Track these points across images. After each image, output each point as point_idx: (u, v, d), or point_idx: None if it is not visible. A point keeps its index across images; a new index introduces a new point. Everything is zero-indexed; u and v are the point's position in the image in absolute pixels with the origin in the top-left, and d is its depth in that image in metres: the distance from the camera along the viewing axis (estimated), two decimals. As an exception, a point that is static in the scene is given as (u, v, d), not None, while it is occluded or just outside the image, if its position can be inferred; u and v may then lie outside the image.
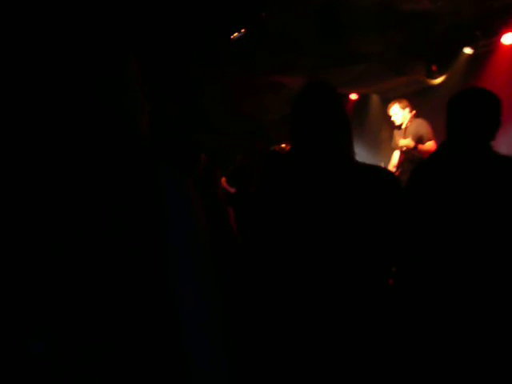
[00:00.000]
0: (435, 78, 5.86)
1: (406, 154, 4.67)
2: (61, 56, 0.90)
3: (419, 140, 4.58)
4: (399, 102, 4.80)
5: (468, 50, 5.57)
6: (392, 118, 4.87)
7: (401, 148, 4.69)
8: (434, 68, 5.77)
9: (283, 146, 5.31)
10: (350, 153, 1.41)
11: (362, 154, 6.70)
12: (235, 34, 4.59)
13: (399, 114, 4.76)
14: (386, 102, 5.94)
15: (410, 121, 4.70)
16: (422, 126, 4.66)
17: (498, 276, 1.59)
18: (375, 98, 7.52)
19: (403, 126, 4.74)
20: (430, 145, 4.51)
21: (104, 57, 0.92)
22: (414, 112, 4.69)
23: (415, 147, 4.54)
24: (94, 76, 0.90)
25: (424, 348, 1.65)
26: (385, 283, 1.44)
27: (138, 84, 0.97)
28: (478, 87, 1.83)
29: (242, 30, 4.57)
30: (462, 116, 1.75)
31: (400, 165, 4.73)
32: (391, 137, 5.19)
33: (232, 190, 6.33)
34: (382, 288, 1.39)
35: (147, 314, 0.88)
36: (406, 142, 4.60)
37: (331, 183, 1.34)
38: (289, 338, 1.31)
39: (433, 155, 1.91)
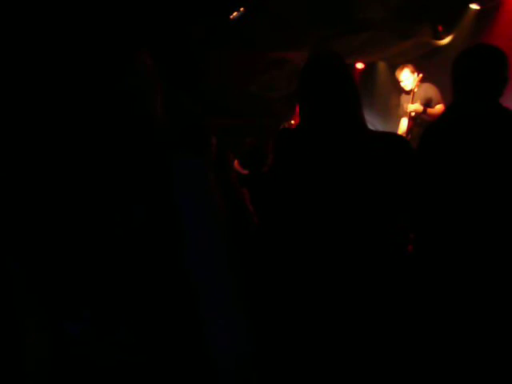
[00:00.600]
0: (442, 38, 5.72)
1: (415, 119, 4.62)
2: (81, 47, 0.93)
3: (428, 104, 4.52)
4: (408, 67, 4.71)
5: (474, 6, 5.42)
6: (402, 84, 4.79)
7: (409, 113, 4.62)
8: (440, 28, 5.63)
9: (292, 122, 5.29)
10: (362, 121, 1.41)
11: (372, 122, 6.63)
12: (234, 14, 4.54)
13: (410, 78, 4.68)
14: (393, 69, 5.83)
15: (417, 85, 4.62)
16: (430, 90, 4.58)
17: None
18: (382, 65, 7.37)
19: (414, 91, 4.66)
20: (439, 108, 4.44)
21: (118, 47, 0.94)
22: (420, 75, 4.60)
23: (424, 111, 4.47)
24: (110, 65, 0.93)
25: (441, 313, 1.66)
26: (403, 249, 1.45)
27: (151, 70, 0.99)
28: (482, 44, 1.77)
29: (241, 9, 4.51)
30: (466, 75, 1.72)
31: (409, 131, 4.67)
32: (399, 104, 5.11)
33: (245, 171, 6.34)
34: (400, 254, 1.41)
35: (168, 293, 0.92)
36: (415, 106, 4.54)
37: (346, 152, 1.34)
38: (308, 308, 1.34)
39: (441, 118, 1.89)
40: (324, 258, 1.33)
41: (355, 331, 1.31)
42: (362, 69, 7.27)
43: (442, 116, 1.92)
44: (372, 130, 1.42)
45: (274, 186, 1.42)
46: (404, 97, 4.89)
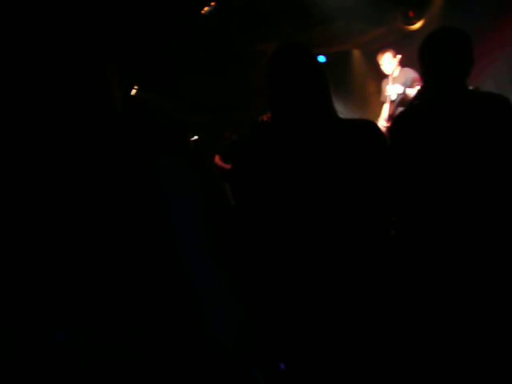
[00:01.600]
0: (413, 23, 5.78)
1: (396, 103, 4.65)
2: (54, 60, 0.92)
3: (406, 84, 4.56)
4: (390, 51, 4.75)
5: (443, -10, 5.49)
6: (382, 67, 4.82)
7: (389, 97, 4.66)
8: (411, 14, 5.69)
9: (266, 116, 5.28)
10: (332, 109, 1.41)
11: (351, 110, 6.67)
12: (205, 9, 4.51)
13: (391, 62, 4.72)
14: (368, 55, 5.88)
15: (397, 68, 4.67)
16: (409, 72, 4.63)
17: (495, 214, 1.62)
18: (357, 53, 7.42)
19: (394, 76, 4.69)
20: (418, 88, 4.48)
21: (86, 58, 0.94)
22: (399, 56, 4.64)
23: (403, 91, 4.51)
24: (78, 77, 0.93)
25: (428, 297, 1.68)
26: (385, 234, 1.47)
27: (117, 79, 0.99)
28: (445, 27, 1.79)
29: (212, 3, 4.49)
30: (433, 58, 1.73)
31: (391, 115, 4.70)
32: (379, 90, 5.15)
33: (227, 166, 6.33)
34: (383, 239, 1.42)
35: (160, 290, 0.93)
36: (394, 87, 4.57)
37: (318, 142, 1.34)
38: (294, 300, 1.36)
39: (412, 103, 1.91)
40: (307, 248, 1.34)
41: (343, 322, 1.33)
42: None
43: (413, 101, 1.94)
44: (342, 119, 1.42)
45: (250, 180, 1.42)
46: (384, 83, 4.92)
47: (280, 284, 1.39)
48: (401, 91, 4.52)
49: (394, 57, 4.70)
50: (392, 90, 4.58)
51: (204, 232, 0.99)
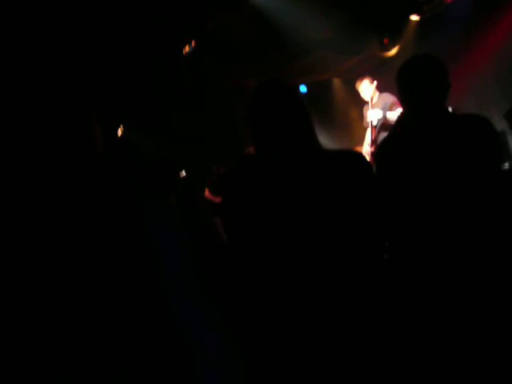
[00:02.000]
0: (389, 50, 5.96)
1: (378, 128, 4.74)
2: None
3: (386, 109, 4.66)
4: (367, 78, 4.88)
5: (414, 17, 5.69)
6: (362, 95, 4.93)
7: (371, 123, 4.74)
8: (385, 41, 5.88)
9: (253, 148, 5.33)
10: (315, 142, 1.43)
11: (335, 137, 6.77)
12: (187, 49, 4.61)
13: (370, 88, 4.84)
14: (347, 83, 6.02)
15: (374, 93, 4.79)
16: (387, 97, 4.74)
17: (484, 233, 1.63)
18: (337, 81, 7.59)
19: (373, 101, 4.80)
20: (398, 111, 4.57)
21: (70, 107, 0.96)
22: (375, 82, 4.76)
23: (384, 115, 4.60)
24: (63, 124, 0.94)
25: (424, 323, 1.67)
26: (378, 260, 1.46)
27: (97, 125, 1.01)
28: (419, 54, 1.85)
29: (193, 44, 4.59)
30: (410, 85, 1.78)
31: (374, 140, 4.78)
32: (361, 116, 5.25)
33: (217, 199, 6.32)
34: (377, 265, 1.42)
35: (150, 325, 0.91)
36: (374, 112, 4.66)
37: (304, 174, 1.36)
38: (287, 329, 1.33)
39: (393, 130, 1.95)
40: (302, 281, 1.32)
41: (335, 350, 1.31)
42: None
43: (394, 126, 1.98)
44: (327, 150, 1.45)
45: (237, 214, 1.41)
46: (366, 108, 5.03)
47: (274, 323, 1.36)
48: (381, 116, 4.62)
49: (372, 83, 4.83)
50: (372, 115, 4.67)
51: (193, 273, 0.99)
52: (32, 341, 0.89)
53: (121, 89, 4.52)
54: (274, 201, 1.35)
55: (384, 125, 4.66)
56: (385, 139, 1.95)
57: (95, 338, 0.91)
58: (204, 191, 6.37)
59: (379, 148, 1.96)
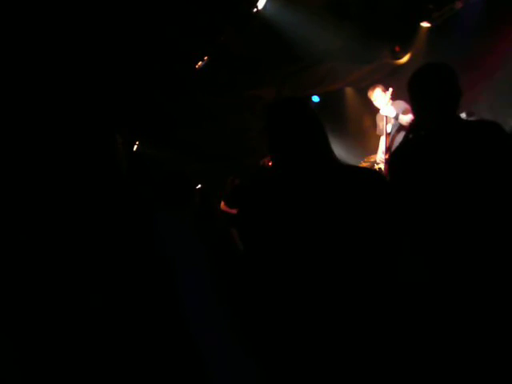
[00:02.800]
0: (401, 57, 5.97)
1: (392, 135, 4.72)
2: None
3: (399, 113, 4.65)
4: (379, 87, 4.87)
5: (425, 24, 5.70)
6: (375, 103, 4.92)
7: (385, 129, 4.73)
8: (397, 49, 5.88)
9: (267, 160, 5.36)
10: (331, 156, 1.47)
11: (349, 146, 6.76)
12: (199, 63, 4.69)
13: (382, 97, 4.83)
14: (360, 92, 6.03)
15: (389, 101, 4.76)
16: (401, 105, 4.73)
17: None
18: (349, 90, 7.61)
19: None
20: (411, 116, 4.55)
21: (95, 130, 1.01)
22: (391, 89, 4.74)
23: (396, 116, 4.59)
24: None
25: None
26: (393, 275, 1.44)
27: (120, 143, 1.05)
28: (430, 63, 1.86)
29: (205, 58, 4.66)
30: (423, 93, 1.79)
31: (388, 147, 4.76)
32: (374, 124, 5.25)
33: (233, 211, 6.35)
34: (391, 281, 1.40)
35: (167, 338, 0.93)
36: (387, 110, 4.63)
37: (320, 188, 1.38)
38: (303, 339, 1.33)
39: (406, 139, 1.95)
40: (318, 294, 1.33)
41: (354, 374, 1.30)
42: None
43: (406, 136, 1.98)
44: (344, 164, 1.48)
45: (255, 226, 1.44)
46: (379, 116, 5.02)
47: (291, 332, 1.37)
48: (393, 115, 4.60)
49: (384, 91, 4.82)
50: (385, 112, 4.65)
51: (210, 284, 1.00)
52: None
53: (136, 105, 4.61)
54: (291, 213, 1.37)
55: (399, 131, 4.64)
56: (398, 147, 1.95)
57: (109, 348, 0.93)
58: (219, 203, 6.41)
59: (393, 156, 1.96)
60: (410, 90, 1.85)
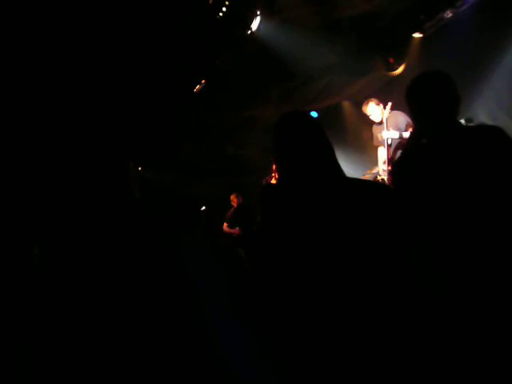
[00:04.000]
0: (395, 69, 6.02)
1: (394, 147, 4.73)
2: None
3: (400, 129, 4.65)
4: (372, 100, 4.89)
5: (417, 35, 5.77)
6: (371, 117, 4.94)
7: (386, 141, 4.73)
8: (391, 60, 5.94)
9: (273, 175, 5.37)
10: (338, 170, 1.46)
11: (351, 158, 6.78)
12: (197, 87, 4.74)
13: (377, 110, 4.84)
14: (357, 105, 6.07)
15: (388, 114, 4.77)
16: (400, 116, 4.73)
17: None
18: (346, 104, 7.67)
19: (384, 121, 4.79)
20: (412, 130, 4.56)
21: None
22: (391, 104, 4.75)
23: (400, 136, 4.59)
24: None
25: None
26: (406, 283, 1.43)
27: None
28: (427, 71, 1.87)
29: (203, 82, 4.72)
30: (422, 101, 1.79)
31: (390, 159, 4.76)
32: (372, 136, 5.26)
33: (235, 231, 6.34)
34: (404, 289, 1.39)
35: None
36: (390, 133, 4.65)
37: (333, 199, 1.38)
38: (323, 352, 1.31)
39: (407, 148, 1.95)
40: (331, 306, 1.32)
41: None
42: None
43: (406, 145, 1.97)
44: (350, 178, 1.47)
45: (269, 243, 1.43)
46: (375, 128, 5.03)
47: (311, 346, 1.35)
48: (397, 136, 4.61)
49: (378, 104, 4.83)
50: (388, 135, 4.66)
51: (229, 299, 1.00)
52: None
53: (140, 133, 4.65)
54: (304, 226, 1.36)
55: (400, 143, 4.65)
56: (400, 157, 1.94)
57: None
58: (222, 224, 6.40)
59: (396, 167, 1.94)
60: (408, 99, 1.86)
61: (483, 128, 1.76)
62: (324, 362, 1.32)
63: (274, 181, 5.25)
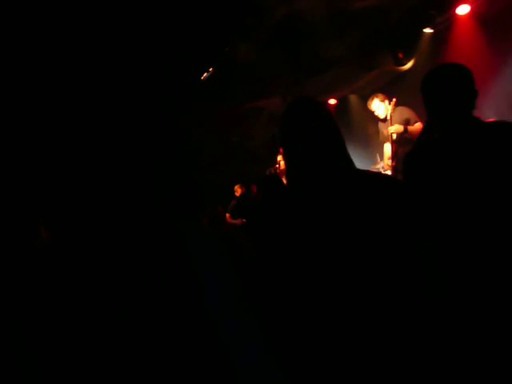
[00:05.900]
0: (404, 64, 5.97)
1: (398, 141, 4.71)
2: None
3: (406, 123, 4.64)
4: (377, 96, 4.86)
5: (428, 30, 5.71)
6: (375, 113, 4.92)
7: (391, 137, 4.72)
8: (400, 55, 5.89)
9: (277, 166, 5.37)
10: (348, 160, 1.42)
11: (356, 153, 6.75)
12: (205, 75, 4.72)
13: (381, 107, 4.82)
14: (364, 99, 6.04)
15: (393, 110, 4.75)
16: (405, 111, 4.72)
17: None
18: (353, 98, 7.63)
19: (388, 117, 4.77)
20: (418, 125, 4.55)
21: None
22: (394, 100, 4.74)
23: (405, 130, 4.58)
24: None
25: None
26: (417, 284, 1.40)
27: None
28: (444, 63, 1.81)
29: (210, 69, 4.70)
30: (439, 94, 1.75)
31: (394, 154, 4.76)
32: (378, 131, 5.24)
33: (238, 221, 6.36)
34: (415, 288, 1.36)
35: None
36: (395, 127, 4.64)
37: (340, 191, 1.34)
38: (327, 346, 1.30)
39: (420, 140, 1.91)
40: (335, 300, 1.30)
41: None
42: (336, 104, 7.50)
43: (421, 138, 1.94)
44: (360, 170, 1.42)
45: (270, 233, 1.40)
46: (381, 124, 5.01)
47: (309, 335, 1.35)
48: (402, 130, 4.59)
49: (383, 100, 4.81)
50: (393, 130, 4.65)
51: (232, 288, 1.01)
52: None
53: (146, 118, 4.64)
54: (315, 219, 1.33)
55: (404, 139, 4.63)
56: (412, 151, 1.88)
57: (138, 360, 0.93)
58: (225, 214, 6.41)
59: (407, 159, 1.86)
60: (424, 91, 1.80)
61: (502, 124, 1.70)
62: (327, 355, 1.31)
63: (278, 171, 5.25)
